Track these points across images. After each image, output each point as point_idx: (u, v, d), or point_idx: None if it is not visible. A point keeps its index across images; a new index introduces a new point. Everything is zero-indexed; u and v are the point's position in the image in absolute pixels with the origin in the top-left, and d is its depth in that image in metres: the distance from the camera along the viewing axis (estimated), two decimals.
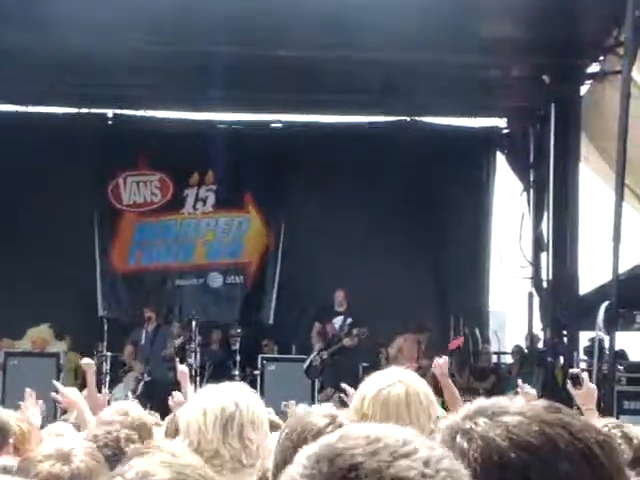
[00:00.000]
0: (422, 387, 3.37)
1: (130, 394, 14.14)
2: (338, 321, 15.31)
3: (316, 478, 1.20)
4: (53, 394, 6.04)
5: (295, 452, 2.50)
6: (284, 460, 2.58)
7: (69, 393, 5.39)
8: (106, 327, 15.30)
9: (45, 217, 16.66)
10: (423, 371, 12.93)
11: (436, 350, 14.34)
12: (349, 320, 15.18)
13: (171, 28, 13.31)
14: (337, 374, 13.43)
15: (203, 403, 3.28)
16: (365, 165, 17.01)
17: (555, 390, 13.79)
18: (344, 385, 7.15)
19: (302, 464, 1.26)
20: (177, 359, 11.40)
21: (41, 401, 6.23)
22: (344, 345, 14.92)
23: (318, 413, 2.77)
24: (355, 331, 14.95)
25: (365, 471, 1.17)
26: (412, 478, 1.16)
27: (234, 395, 3.30)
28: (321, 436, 2.55)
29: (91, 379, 7.25)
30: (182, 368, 7.22)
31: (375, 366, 13.67)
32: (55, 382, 6.10)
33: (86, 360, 7.72)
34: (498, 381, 16.10)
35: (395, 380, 3.34)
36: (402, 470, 1.16)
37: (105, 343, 15.14)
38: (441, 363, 5.92)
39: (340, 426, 2.67)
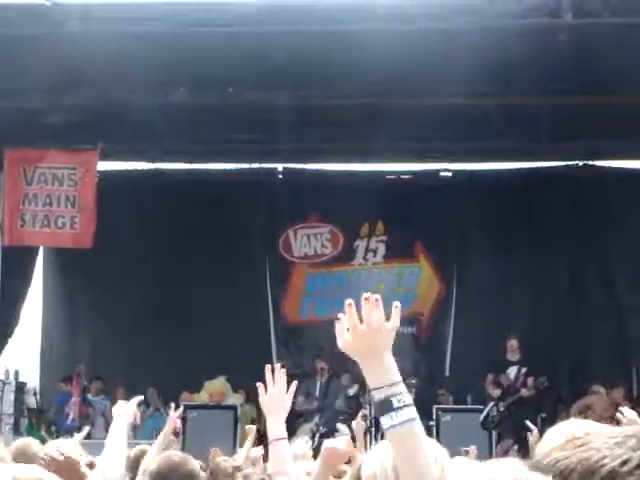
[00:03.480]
0: None
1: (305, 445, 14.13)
2: (512, 371, 14.97)
3: None
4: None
5: None
6: None
7: None
8: None
9: (218, 270, 17.00)
10: None
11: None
12: (524, 370, 14.82)
13: (334, 80, 13.45)
14: (515, 425, 13.10)
15: (375, 461, 3.21)
16: (538, 210, 16.70)
17: None
18: (528, 422, 6.89)
19: None
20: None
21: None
22: (521, 396, 14.56)
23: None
24: (531, 381, 14.59)
25: None
26: None
27: None
28: None
29: (249, 444, 7.85)
30: (358, 420, 7.22)
31: (554, 417, 13.29)
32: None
33: (248, 426, 8.42)
34: None
35: (571, 436, 3.16)
36: None
37: None
38: (626, 415, 5.56)
39: None
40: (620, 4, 11.19)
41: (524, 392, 14.56)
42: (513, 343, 15.00)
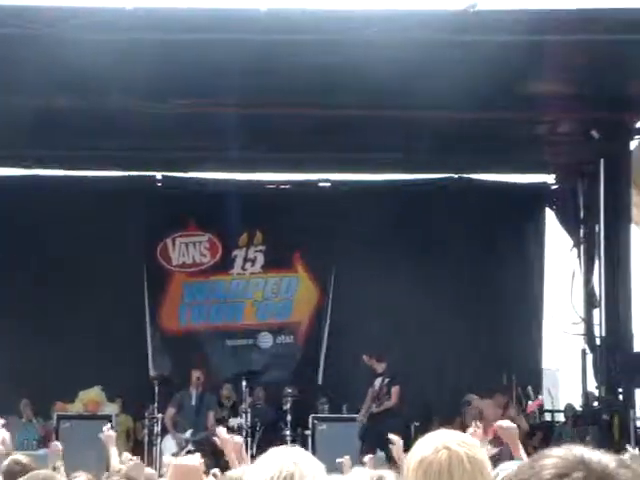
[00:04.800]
0: (470, 452, 3.24)
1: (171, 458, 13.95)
2: (378, 382, 15.14)
3: None
4: None
5: None
6: None
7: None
8: (157, 389, 15.28)
9: (95, 279, 16.79)
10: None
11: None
12: (387, 380, 15.00)
13: (218, 91, 13.46)
14: (378, 435, 13.13)
15: (260, 470, 3.23)
16: (413, 222, 16.98)
17: (613, 449, 13.54)
18: (391, 435, 7.02)
19: None
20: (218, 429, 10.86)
21: None
22: (373, 412, 14.66)
23: (364, 474, 2.71)
24: (395, 390, 14.76)
25: None
26: None
27: (291, 459, 3.24)
28: None
29: (111, 450, 7.85)
30: (224, 437, 7.27)
31: (427, 426, 13.49)
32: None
33: (106, 433, 8.35)
34: (545, 438, 15.79)
35: (440, 445, 3.24)
36: None
37: (156, 405, 15.10)
38: (504, 427, 5.73)
39: None
40: (503, 22, 11.49)
41: (374, 407, 14.68)
42: (366, 358, 15.11)
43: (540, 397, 15.39)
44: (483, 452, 3.31)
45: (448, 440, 3.24)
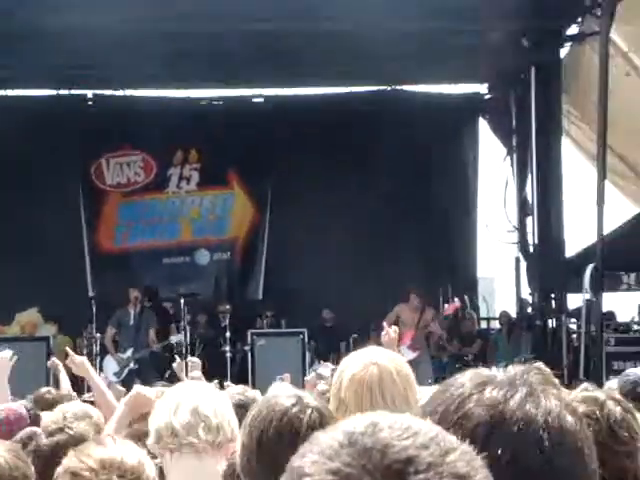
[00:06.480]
0: (398, 368, 3.30)
1: (114, 377, 14.02)
2: None
3: (367, 470, 1.12)
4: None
5: (262, 434, 2.55)
6: (250, 442, 2.59)
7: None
8: (94, 309, 15.23)
9: (29, 200, 16.58)
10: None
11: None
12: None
13: (149, 6, 13.23)
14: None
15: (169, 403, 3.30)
16: (347, 136, 16.96)
17: (545, 353, 13.85)
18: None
19: (334, 455, 1.13)
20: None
21: None
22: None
23: (284, 394, 2.77)
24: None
25: (422, 465, 1.12)
26: (465, 473, 1.14)
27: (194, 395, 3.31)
28: (286, 417, 2.60)
29: (60, 375, 7.62)
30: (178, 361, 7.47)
31: (364, 339, 13.62)
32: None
33: (52, 361, 8.22)
34: (485, 346, 16.09)
35: (368, 362, 3.29)
36: (455, 465, 1.14)
37: (94, 325, 15.07)
38: (391, 334, 5.54)
39: (307, 406, 2.68)
40: None
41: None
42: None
43: (456, 300, 15.31)
44: (408, 367, 3.38)
45: (376, 356, 3.30)
